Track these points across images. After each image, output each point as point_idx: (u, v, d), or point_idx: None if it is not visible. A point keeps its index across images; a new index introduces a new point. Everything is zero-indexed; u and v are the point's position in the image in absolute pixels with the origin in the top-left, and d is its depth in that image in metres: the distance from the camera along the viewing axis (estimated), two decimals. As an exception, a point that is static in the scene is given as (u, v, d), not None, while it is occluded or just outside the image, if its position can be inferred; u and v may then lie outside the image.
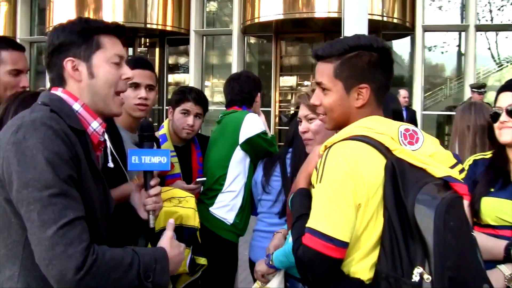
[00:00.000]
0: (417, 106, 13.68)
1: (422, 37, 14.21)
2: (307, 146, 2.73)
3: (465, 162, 2.70)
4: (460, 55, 15.50)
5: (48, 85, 2.01)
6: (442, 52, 15.80)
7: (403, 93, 10.59)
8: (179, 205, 2.96)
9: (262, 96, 4.04)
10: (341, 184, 1.78)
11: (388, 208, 1.74)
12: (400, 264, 1.69)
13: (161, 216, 2.52)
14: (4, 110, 2.23)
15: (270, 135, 3.79)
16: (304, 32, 15.72)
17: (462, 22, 14.72)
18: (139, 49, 17.39)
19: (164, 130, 3.67)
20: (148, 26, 15.60)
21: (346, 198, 1.77)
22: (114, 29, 1.97)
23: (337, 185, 1.79)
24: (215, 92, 17.06)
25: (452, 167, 1.90)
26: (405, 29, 14.39)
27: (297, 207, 2.00)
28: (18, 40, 11.58)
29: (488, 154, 2.68)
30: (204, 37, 16.55)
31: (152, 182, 2.12)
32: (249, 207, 3.78)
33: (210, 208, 3.67)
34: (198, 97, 3.61)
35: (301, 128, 2.75)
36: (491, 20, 15.16)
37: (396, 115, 2.46)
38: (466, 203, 1.87)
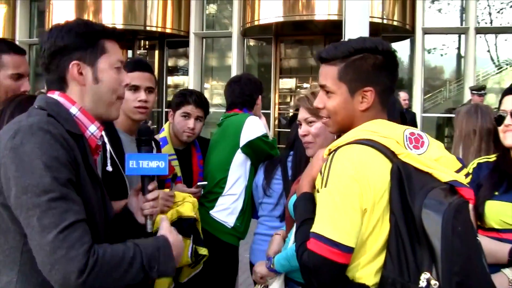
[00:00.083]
0: (417, 108, 13.68)
1: (422, 40, 14.22)
2: (308, 150, 2.71)
3: (469, 165, 2.68)
4: (459, 57, 15.52)
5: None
6: (442, 55, 15.82)
7: (403, 95, 10.56)
8: (177, 208, 2.95)
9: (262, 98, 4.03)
10: (347, 188, 1.76)
11: (395, 213, 1.72)
12: (407, 269, 1.67)
13: (158, 218, 2.51)
14: (0, 113, 2.20)
15: (271, 138, 3.77)
16: (304, 35, 15.74)
17: (461, 24, 14.74)
18: (138, 52, 17.39)
19: (164, 133, 3.66)
20: (148, 28, 15.63)
21: (352, 203, 1.75)
22: (116, 34, 1.97)
23: (343, 189, 1.76)
24: (214, 94, 17.06)
25: (458, 171, 1.88)
26: (405, 32, 14.41)
27: (301, 212, 1.98)
28: (17, 43, 11.57)
29: (492, 157, 2.67)
30: (204, 40, 16.56)
31: (150, 187, 2.10)
32: (249, 210, 3.77)
33: (211, 211, 3.66)
34: (199, 100, 3.59)
35: (301, 131, 2.73)
36: (491, 22, 15.18)
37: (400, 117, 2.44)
38: (471, 206, 1.85)
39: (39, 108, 1.80)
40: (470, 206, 1.81)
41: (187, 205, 2.95)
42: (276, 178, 3.39)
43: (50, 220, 1.56)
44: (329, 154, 1.90)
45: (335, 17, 12.87)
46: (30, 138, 1.63)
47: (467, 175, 1.92)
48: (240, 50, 15.55)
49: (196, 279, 3.14)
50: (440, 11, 15.28)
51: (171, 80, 18.07)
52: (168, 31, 15.90)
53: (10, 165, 1.61)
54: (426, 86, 15.05)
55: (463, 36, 14.79)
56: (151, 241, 1.83)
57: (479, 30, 14.31)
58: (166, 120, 3.72)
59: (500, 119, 2.52)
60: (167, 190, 3.02)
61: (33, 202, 1.58)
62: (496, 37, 15.29)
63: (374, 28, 11.93)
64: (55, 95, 1.86)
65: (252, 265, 3.36)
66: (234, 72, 14.64)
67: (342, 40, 2.30)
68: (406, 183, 1.72)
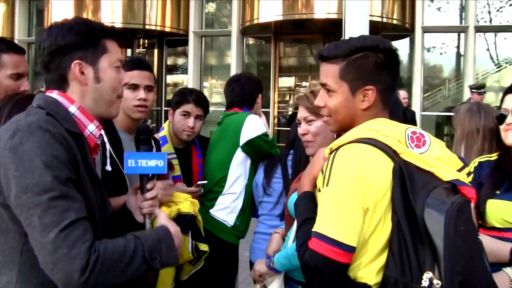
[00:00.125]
0: (416, 107, 13.68)
1: (421, 38, 14.22)
2: (307, 149, 2.70)
3: (470, 164, 2.67)
4: (459, 56, 15.53)
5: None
6: (441, 53, 15.83)
7: (402, 94, 10.55)
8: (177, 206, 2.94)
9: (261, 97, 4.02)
10: (349, 187, 1.75)
11: (397, 212, 1.71)
12: (409, 268, 1.66)
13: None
14: None
15: (271, 137, 3.76)
16: (303, 33, 15.73)
17: (461, 23, 14.74)
18: (137, 50, 17.39)
19: (164, 132, 3.64)
20: (147, 27, 15.62)
21: (354, 202, 1.74)
22: (116, 33, 1.97)
23: (345, 188, 1.76)
24: (213, 93, 17.06)
25: (459, 170, 1.87)
26: (405, 30, 14.41)
27: (302, 211, 1.97)
28: (16, 41, 11.55)
29: (494, 156, 2.66)
30: (203, 38, 16.55)
31: (149, 186, 2.09)
32: (249, 209, 3.76)
33: (211, 210, 3.65)
34: (198, 98, 3.58)
35: (300, 130, 2.72)
36: (490, 21, 15.18)
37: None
38: (472, 205, 1.84)
39: (38, 107, 1.79)
40: (472, 205, 1.80)
41: (186, 203, 2.94)
42: (276, 177, 3.38)
43: (51, 219, 1.56)
44: (330, 153, 1.89)
45: (335, 16, 12.87)
46: (29, 137, 1.62)
47: (468, 174, 1.91)
48: (240, 48, 15.55)
49: (197, 278, 3.13)
50: (440, 10, 15.29)
51: (170, 79, 18.07)
52: (167, 29, 15.89)
53: (10, 165, 1.61)
54: (425, 84, 15.05)
55: (462, 35, 14.80)
56: (152, 232, 1.84)
57: (479, 29, 14.31)
58: (165, 119, 3.71)
59: (501, 118, 2.51)
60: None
61: (33, 201, 1.57)
62: (495, 35, 15.30)
63: (374, 26, 11.91)
64: (54, 94, 1.85)
65: (252, 264, 3.35)
66: (233, 71, 14.65)
67: (342, 38, 2.29)
68: (408, 182, 1.71)
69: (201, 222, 3.08)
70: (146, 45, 18.31)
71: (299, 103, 2.74)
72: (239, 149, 3.63)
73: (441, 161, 1.85)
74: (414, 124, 9.60)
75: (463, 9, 14.91)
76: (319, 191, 1.86)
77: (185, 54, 16.93)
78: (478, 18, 14.50)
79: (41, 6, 17.20)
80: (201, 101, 3.59)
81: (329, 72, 1.96)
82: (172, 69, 18.19)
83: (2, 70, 2.66)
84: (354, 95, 1.93)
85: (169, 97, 16.75)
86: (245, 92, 3.79)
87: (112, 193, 2.20)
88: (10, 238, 1.69)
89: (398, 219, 1.71)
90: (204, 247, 3.02)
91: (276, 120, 15.30)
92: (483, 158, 2.68)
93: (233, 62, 15.19)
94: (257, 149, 3.62)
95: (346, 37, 2.23)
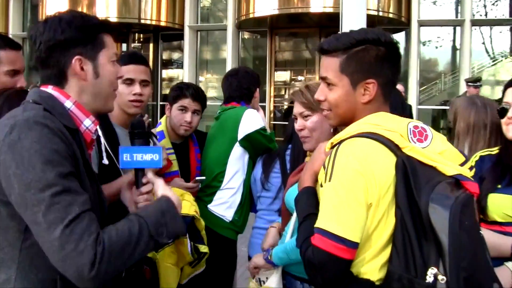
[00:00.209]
0: (412, 100, 13.70)
1: (417, 32, 14.21)
2: (305, 144, 2.68)
3: (471, 158, 2.65)
4: (454, 49, 15.54)
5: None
6: (437, 47, 15.83)
7: (398, 87, 10.50)
8: None
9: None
10: (352, 182, 1.73)
11: (401, 207, 1.69)
12: (414, 264, 1.65)
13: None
14: None
15: (270, 131, 3.74)
16: (299, 27, 15.70)
17: (457, 17, 14.73)
18: (133, 45, 17.37)
19: (161, 127, 3.62)
20: (142, 21, 15.60)
21: (357, 197, 1.72)
22: (112, 27, 1.96)
23: (348, 183, 1.73)
24: (209, 87, 17.02)
25: (461, 164, 1.86)
26: (401, 24, 14.41)
27: (304, 207, 1.95)
28: (10, 36, 11.48)
29: (495, 150, 2.63)
30: (199, 33, 16.52)
31: (144, 180, 2.07)
32: (248, 204, 3.75)
33: (209, 206, 3.64)
34: (196, 93, 3.55)
35: (296, 125, 2.70)
36: (486, 15, 15.19)
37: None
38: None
39: (34, 102, 1.76)
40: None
41: (185, 203, 2.92)
42: (275, 171, 3.37)
43: (55, 215, 1.54)
44: (332, 148, 1.87)
45: (331, 10, 12.86)
46: (27, 133, 1.60)
47: (470, 168, 1.90)
48: (235, 43, 15.53)
49: (195, 274, 3.12)
50: (436, 3, 15.30)
51: (166, 73, 18.04)
52: (162, 24, 15.86)
53: (11, 162, 1.58)
54: (421, 78, 15.06)
55: (458, 28, 14.80)
56: (154, 206, 1.80)
57: (475, 22, 14.31)
58: (161, 113, 3.68)
59: (503, 112, 2.48)
60: None
61: (37, 198, 1.55)
62: (491, 29, 15.31)
63: (370, 20, 11.81)
64: (49, 89, 1.82)
65: (250, 259, 3.34)
66: (229, 65, 14.64)
67: (339, 32, 2.26)
68: (412, 177, 1.69)
69: (203, 225, 3.05)
70: (141, 39, 18.28)
71: (295, 99, 2.71)
72: (237, 144, 3.61)
73: (443, 155, 1.83)
74: (411, 118, 9.64)
75: (459, 2, 14.92)
76: (321, 186, 1.84)
77: (180, 49, 16.88)
78: (473, 12, 14.50)
79: (36, 1, 17.14)
80: (199, 95, 3.57)
81: (330, 65, 1.93)
82: (168, 64, 18.15)
83: None
84: (354, 88, 1.91)
85: (165, 91, 16.74)
86: (243, 86, 3.77)
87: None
88: (9, 235, 1.67)
89: (402, 215, 1.69)
90: (204, 248, 3.01)
91: (272, 115, 15.28)
92: (484, 152, 2.66)
93: (229, 57, 15.17)
94: (255, 144, 3.60)
95: (343, 31, 2.20)
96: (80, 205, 1.59)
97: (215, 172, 3.64)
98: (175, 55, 18.13)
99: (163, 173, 3.26)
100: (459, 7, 14.82)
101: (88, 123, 1.86)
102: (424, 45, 15.37)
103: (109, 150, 2.60)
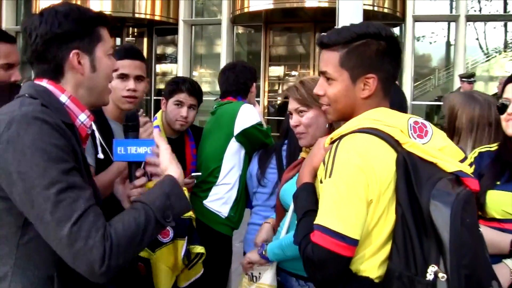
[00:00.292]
0: (407, 96, 13.65)
1: (412, 27, 14.18)
2: (300, 140, 2.66)
3: (470, 154, 2.63)
4: (448, 45, 15.54)
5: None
6: (431, 42, 15.81)
7: (393, 83, 10.57)
8: None
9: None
10: (353, 178, 1.71)
11: (402, 204, 1.68)
12: (414, 261, 1.63)
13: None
14: None
15: (266, 126, 3.72)
16: (294, 22, 15.64)
17: (452, 12, 14.72)
18: (127, 39, 17.27)
19: (157, 121, 3.60)
20: (136, 15, 15.53)
21: (358, 193, 1.70)
22: (109, 21, 1.93)
23: (348, 179, 1.71)
24: (203, 82, 16.95)
25: (461, 161, 1.85)
26: (395, 19, 14.37)
27: (303, 203, 1.93)
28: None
29: (494, 146, 2.62)
30: (193, 27, 16.46)
31: (138, 173, 2.04)
32: (243, 200, 3.75)
33: (204, 201, 3.63)
34: (192, 88, 3.53)
35: (292, 122, 2.68)
36: (480, 10, 15.20)
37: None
38: (473, 197, 1.82)
39: (30, 97, 1.72)
40: None
41: None
42: (271, 167, 3.36)
43: (62, 213, 1.52)
44: (331, 143, 1.85)
45: (326, 5, 12.82)
46: (27, 129, 1.57)
47: (470, 165, 1.88)
48: (230, 37, 15.47)
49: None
50: (430, -1, 15.27)
51: (160, 68, 17.97)
52: (157, 18, 15.78)
53: (12, 160, 1.55)
54: (415, 74, 15.05)
55: (452, 24, 14.79)
56: (158, 189, 1.74)
57: (469, 18, 14.31)
58: (156, 108, 3.66)
59: (503, 108, 2.46)
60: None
61: (43, 197, 1.52)
62: (485, 25, 15.31)
63: (365, 15, 11.88)
64: (44, 83, 1.79)
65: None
66: (223, 60, 14.60)
67: (335, 27, 2.24)
68: (413, 174, 1.67)
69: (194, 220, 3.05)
70: (135, 34, 18.19)
71: (289, 95, 2.69)
72: (233, 139, 3.59)
73: (443, 151, 1.82)
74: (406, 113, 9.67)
75: (453, -2, 14.91)
76: (321, 182, 1.82)
77: (174, 43, 16.81)
78: (468, 7, 14.50)
79: (29, -6, 17.01)
80: (195, 90, 3.55)
81: (329, 59, 1.91)
82: (162, 58, 18.08)
83: None
84: (354, 83, 1.89)
85: (159, 86, 16.68)
86: (240, 81, 3.75)
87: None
88: (5, 231, 1.65)
89: (402, 211, 1.67)
90: (199, 249, 2.99)
91: (266, 110, 15.26)
92: (483, 148, 2.64)
93: (223, 51, 15.12)
94: (251, 139, 3.58)
95: (339, 26, 2.17)
96: (85, 200, 1.57)
97: (211, 168, 3.63)
98: (169, 50, 18.05)
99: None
100: (454, 3, 14.80)
101: (83, 118, 1.84)
102: (418, 40, 15.34)
103: (104, 145, 2.58)
